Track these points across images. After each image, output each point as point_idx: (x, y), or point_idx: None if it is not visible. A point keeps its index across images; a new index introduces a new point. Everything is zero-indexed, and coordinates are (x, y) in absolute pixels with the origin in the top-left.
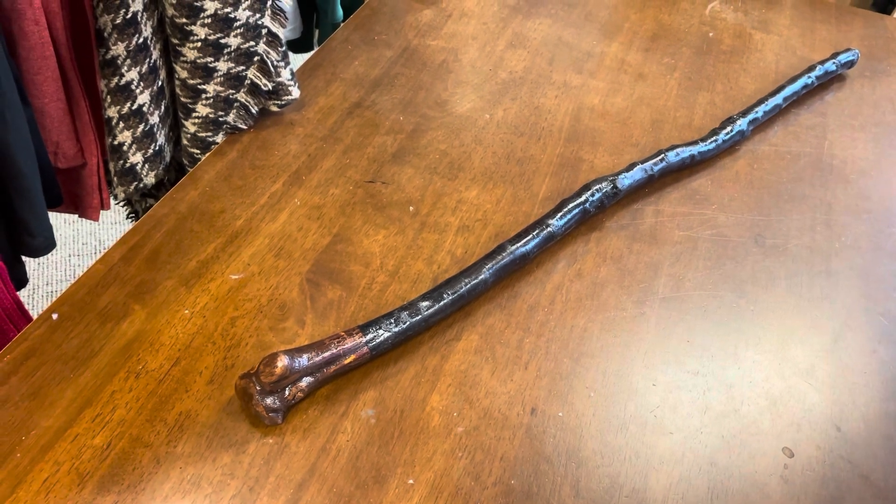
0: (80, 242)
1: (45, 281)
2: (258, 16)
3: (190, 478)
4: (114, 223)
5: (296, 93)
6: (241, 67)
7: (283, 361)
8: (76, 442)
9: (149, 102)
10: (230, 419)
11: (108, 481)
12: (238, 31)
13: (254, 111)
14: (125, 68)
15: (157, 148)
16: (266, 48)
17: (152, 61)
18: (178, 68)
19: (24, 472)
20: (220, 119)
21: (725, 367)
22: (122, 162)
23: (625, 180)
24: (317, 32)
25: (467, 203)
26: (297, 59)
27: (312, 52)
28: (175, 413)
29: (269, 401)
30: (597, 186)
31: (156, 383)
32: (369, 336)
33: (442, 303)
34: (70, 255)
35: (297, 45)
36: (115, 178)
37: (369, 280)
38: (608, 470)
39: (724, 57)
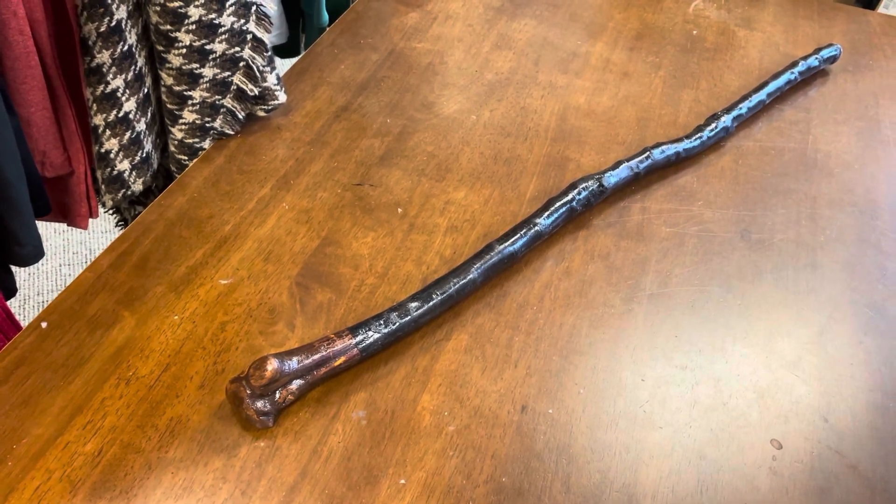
0: (70, 252)
1: (36, 291)
2: (243, 21)
3: (182, 483)
4: (104, 232)
5: (282, 97)
6: (227, 73)
7: (272, 365)
8: (67, 449)
9: (135, 110)
10: (221, 423)
11: (100, 488)
12: (223, 36)
13: (240, 116)
14: (111, 76)
15: (145, 155)
16: (251, 53)
17: (138, 69)
18: (163, 75)
19: (16, 481)
20: (207, 125)
21: (713, 361)
22: (109, 169)
23: (611, 178)
24: (303, 37)
25: (455, 204)
26: (284, 64)
27: (299, 57)
28: (166, 419)
29: (259, 404)
30: (583, 185)
31: (146, 389)
32: (359, 338)
33: (431, 303)
34: (61, 265)
35: (284, 50)
36: (103, 186)
37: (358, 282)
38: (598, 465)
39: (708, 54)
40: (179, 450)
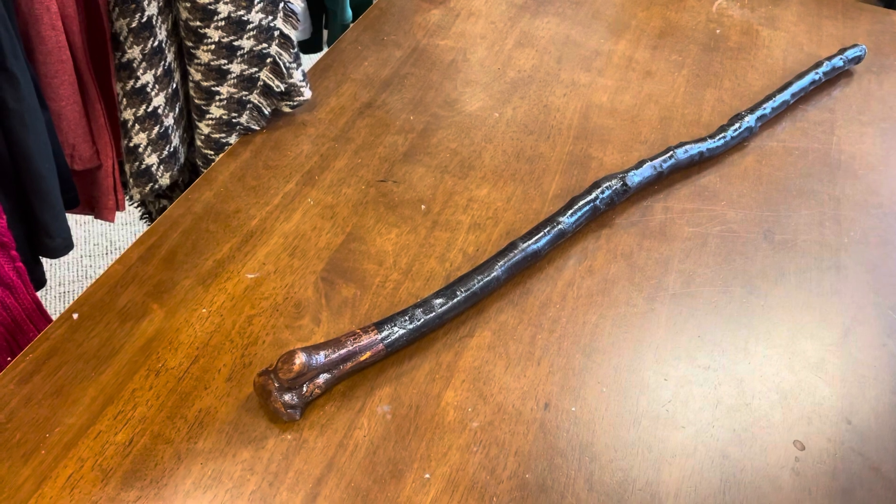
0: (91, 244)
1: (58, 282)
2: (271, 18)
3: (211, 473)
4: (124, 224)
5: (307, 94)
6: (254, 69)
7: (300, 358)
8: (99, 439)
9: (164, 105)
10: (249, 416)
11: (131, 477)
12: (251, 33)
13: (266, 112)
14: (140, 71)
15: (172, 149)
16: (278, 50)
17: (167, 64)
18: (192, 70)
19: (49, 469)
20: (234, 120)
21: (736, 361)
22: (137, 163)
23: (634, 177)
24: (325, 33)
25: (478, 201)
26: (307, 60)
27: (323, 53)
28: (195, 410)
29: (287, 397)
30: (607, 184)
31: (175, 381)
32: (384, 333)
33: (455, 300)
34: (82, 256)
35: (307, 46)
36: (131, 180)
37: (383, 278)
38: (621, 464)
39: (732, 53)
40: (208, 441)
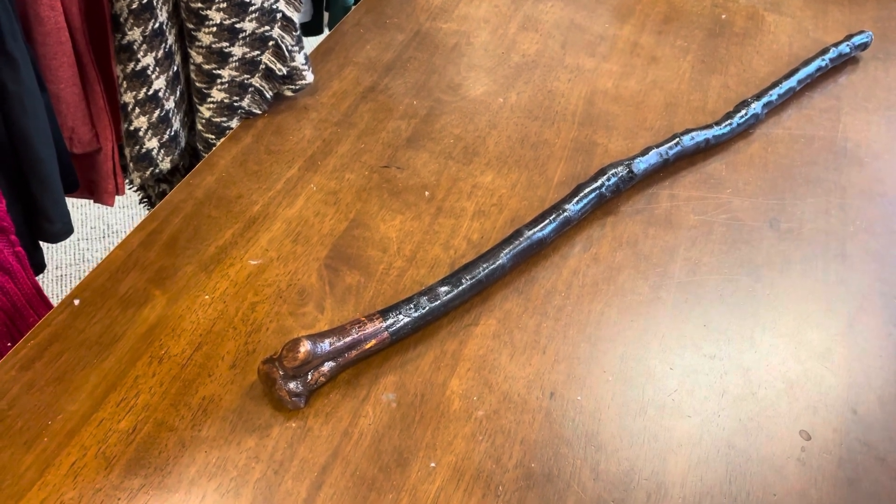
0: (88, 227)
1: (55, 265)
2: (273, 0)
3: (215, 461)
4: (122, 207)
5: (310, 77)
6: (256, 52)
7: (305, 346)
8: (102, 426)
9: (164, 88)
10: (253, 403)
11: (135, 465)
12: (253, 15)
13: (268, 96)
14: (141, 54)
15: (173, 133)
16: (281, 32)
17: (168, 46)
18: (193, 53)
19: (52, 456)
20: (235, 104)
21: (742, 350)
22: (137, 147)
23: (640, 164)
24: (326, 16)
25: (482, 188)
26: (309, 43)
27: (324, 36)
28: (199, 397)
29: (291, 385)
30: (613, 171)
31: (179, 368)
32: (389, 321)
33: (460, 288)
34: (79, 240)
35: (307, 29)
36: (131, 164)
37: (387, 265)
38: (627, 453)
39: (737, 39)
40: (212, 429)
